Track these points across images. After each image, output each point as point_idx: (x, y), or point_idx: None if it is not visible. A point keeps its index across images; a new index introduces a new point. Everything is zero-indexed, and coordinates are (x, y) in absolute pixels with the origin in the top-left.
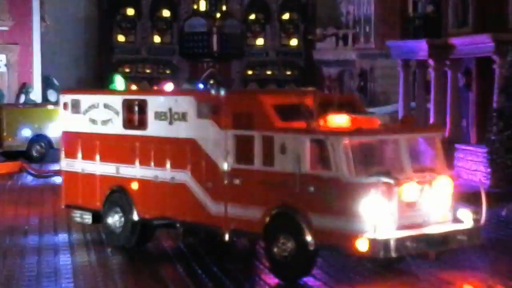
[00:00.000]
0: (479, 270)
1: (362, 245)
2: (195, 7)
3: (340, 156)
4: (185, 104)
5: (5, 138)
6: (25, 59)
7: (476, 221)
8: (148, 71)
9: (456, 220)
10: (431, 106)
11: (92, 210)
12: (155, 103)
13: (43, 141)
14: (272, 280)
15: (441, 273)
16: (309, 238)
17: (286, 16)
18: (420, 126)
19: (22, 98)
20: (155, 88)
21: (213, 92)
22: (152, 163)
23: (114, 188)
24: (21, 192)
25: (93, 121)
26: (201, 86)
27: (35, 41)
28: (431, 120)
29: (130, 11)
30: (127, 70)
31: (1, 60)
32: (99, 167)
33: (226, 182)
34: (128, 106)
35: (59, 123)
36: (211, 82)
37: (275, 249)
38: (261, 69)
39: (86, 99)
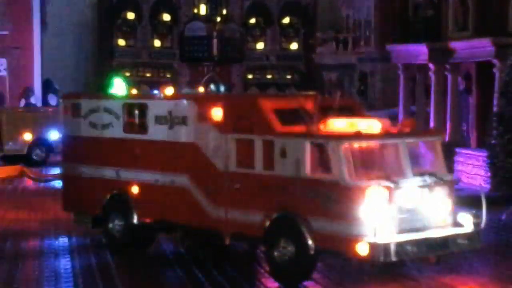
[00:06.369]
0: (479, 274)
1: (362, 249)
2: (195, 11)
3: (341, 160)
4: (186, 108)
5: (6, 142)
6: (25, 63)
7: (476, 225)
8: (148, 75)
9: (456, 224)
10: (431, 110)
11: (92, 214)
12: (155, 107)
13: (44, 145)
14: (273, 284)
15: (441, 277)
16: (309, 242)
17: (286, 20)
18: (420, 130)
19: (23, 102)
20: (155, 92)
21: (213, 96)
22: (153, 167)
23: (114, 192)
24: (21, 196)
25: (94, 125)
26: (201, 90)
27: (36, 45)
28: (431, 124)
29: (131, 15)
30: (128, 74)
31: (1, 64)
32: (99, 171)
33: (226, 186)
34: (128, 110)
35: (60, 127)
36: (212, 86)
37: (276, 253)
38: (261, 73)
39: (86, 103)
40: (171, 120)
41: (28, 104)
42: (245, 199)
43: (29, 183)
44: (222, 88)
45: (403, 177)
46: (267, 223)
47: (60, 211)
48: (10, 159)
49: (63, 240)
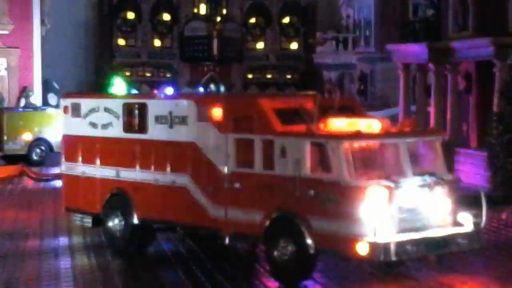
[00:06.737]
0: (479, 273)
1: (362, 249)
2: (195, 10)
3: (340, 160)
4: (185, 107)
5: (6, 142)
6: (25, 63)
7: (477, 224)
8: (148, 74)
9: (456, 223)
10: (431, 109)
11: (92, 213)
12: (155, 107)
13: (44, 144)
14: (273, 283)
15: (441, 277)
16: (309, 241)
17: (286, 19)
18: (420, 130)
19: (23, 102)
20: (155, 91)
21: (213, 96)
22: (153, 167)
23: (114, 191)
24: (21, 196)
25: (94, 125)
26: (201, 89)
27: (36, 45)
28: (431, 124)
29: (131, 15)
30: (128, 73)
31: (1, 64)
32: (99, 171)
33: (226, 185)
34: (128, 110)
35: (60, 127)
36: (211, 85)
37: (275, 253)
38: (261, 72)
39: (86, 103)
40: (171, 120)
41: (28, 104)
42: (245, 199)
43: (29, 183)
44: (222, 88)
45: (403, 177)
46: (267, 223)
47: (60, 211)
48: (10, 159)
49: (63, 240)
